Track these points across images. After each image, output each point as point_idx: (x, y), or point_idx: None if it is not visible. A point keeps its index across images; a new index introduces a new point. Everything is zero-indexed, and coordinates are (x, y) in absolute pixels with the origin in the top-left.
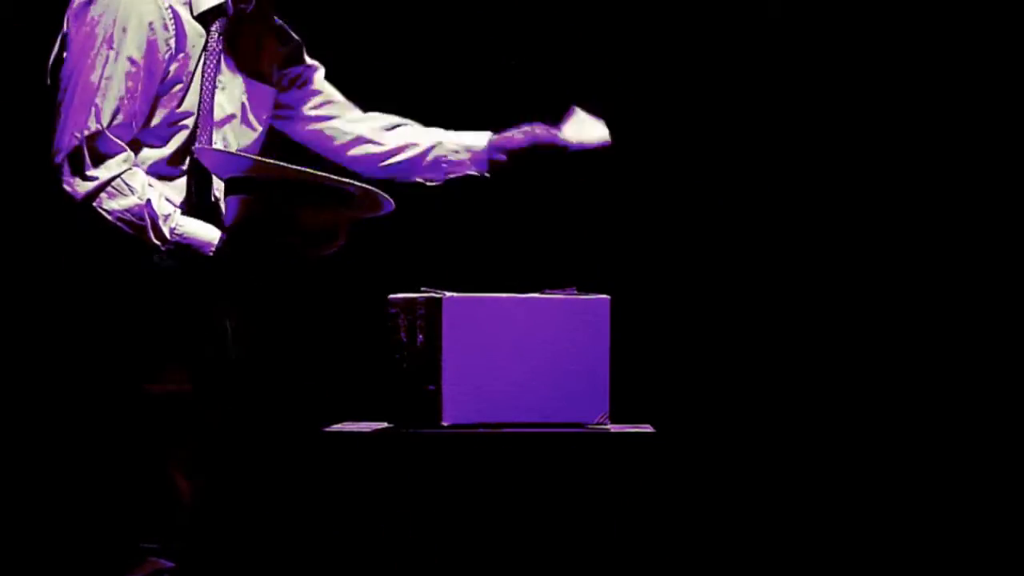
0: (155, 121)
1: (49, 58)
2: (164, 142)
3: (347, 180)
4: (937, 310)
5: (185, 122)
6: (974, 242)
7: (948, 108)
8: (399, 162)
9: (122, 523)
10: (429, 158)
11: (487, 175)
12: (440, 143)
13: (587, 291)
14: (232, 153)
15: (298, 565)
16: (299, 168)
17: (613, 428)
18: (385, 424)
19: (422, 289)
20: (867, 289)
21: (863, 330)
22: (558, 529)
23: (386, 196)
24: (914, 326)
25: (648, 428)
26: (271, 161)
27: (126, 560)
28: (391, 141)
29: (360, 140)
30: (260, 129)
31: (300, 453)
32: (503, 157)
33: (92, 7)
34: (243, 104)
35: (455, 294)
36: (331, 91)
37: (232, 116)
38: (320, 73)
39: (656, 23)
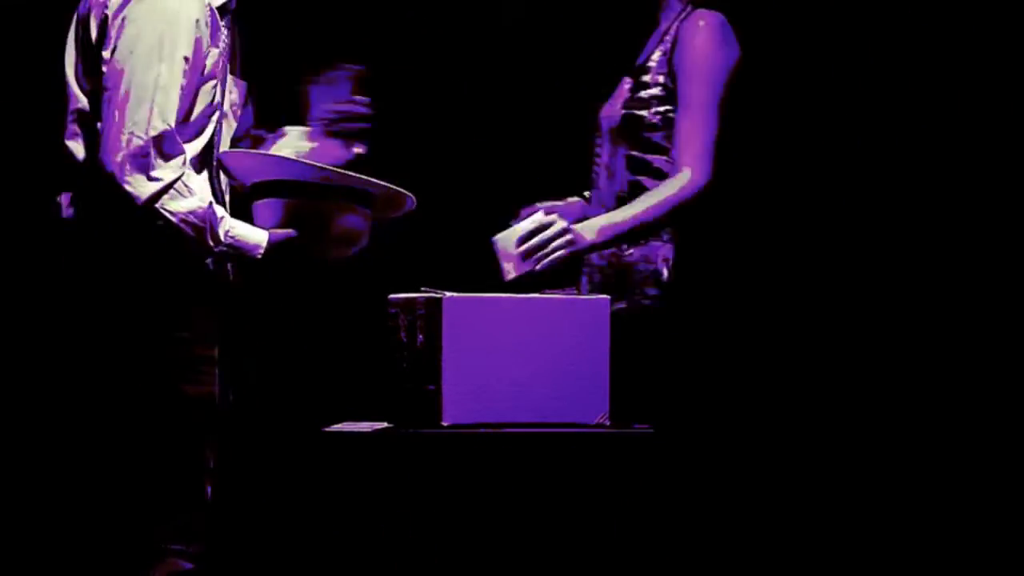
0: (193, 117)
1: (64, 58)
2: (198, 136)
3: (374, 180)
4: (936, 311)
5: (215, 116)
6: (973, 242)
7: (946, 108)
8: None
9: (150, 524)
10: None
11: None
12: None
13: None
14: (270, 155)
15: (299, 565)
16: (338, 171)
17: (612, 428)
18: (385, 424)
19: (422, 289)
20: (867, 290)
21: (863, 331)
22: (558, 529)
23: (409, 194)
24: (914, 327)
25: (647, 428)
26: (316, 165)
27: (147, 559)
28: None
29: None
30: (235, 124)
31: (301, 453)
32: None
33: (137, 5)
34: (231, 100)
35: (455, 294)
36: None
37: (225, 113)
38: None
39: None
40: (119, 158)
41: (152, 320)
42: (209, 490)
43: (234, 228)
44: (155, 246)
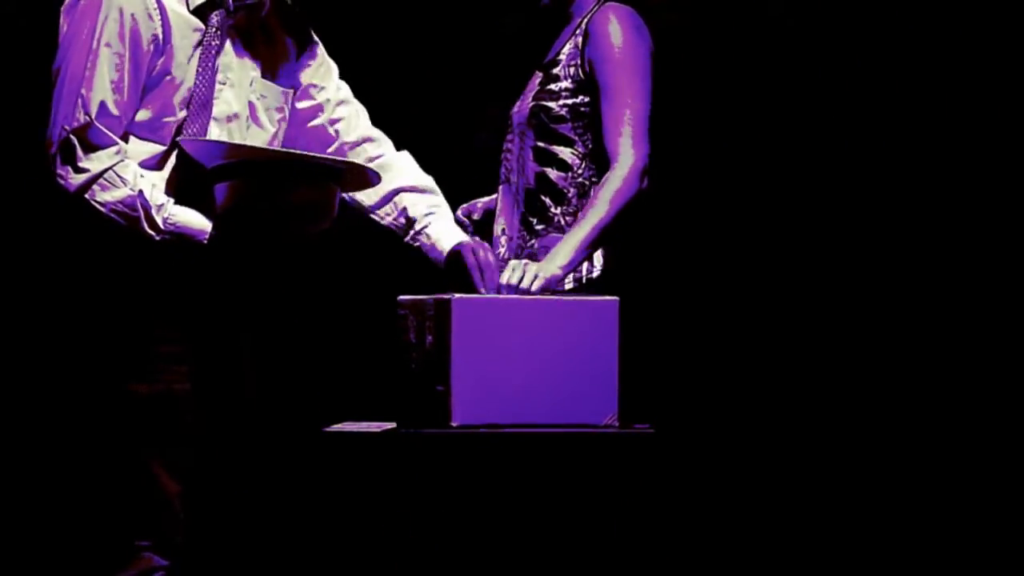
0: (146, 115)
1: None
2: (159, 136)
3: (330, 156)
4: (936, 312)
5: (172, 118)
6: (972, 242)
7: (944, 108)
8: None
9: (116, 520)
10: (407, 237)
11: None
12: (421, 231)
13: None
14: (208, 141)
15: (306, 565)
16: (276, 149)
17: (621, 429)
18: (394, 424)
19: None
20: (867, 291)
21: (862, 332)
22: (567, 529)
23: (373, 169)
24: (913, 327)
25: (650, 428)
26: (247, 144)
27: (120, 556)
28: (387, 210)
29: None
30: (272, 130)
31: (308, 453)
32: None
33: (79, 3)
34: (251, 103)
35: (464, 295)
36: (335, 109)
37: (237, 115)
38: (326, 88)
39: (663, 26)
40: (52, 150)
41: (110, 317)
42: (177, 487)
43: (175, 215)
44: (97, 238)
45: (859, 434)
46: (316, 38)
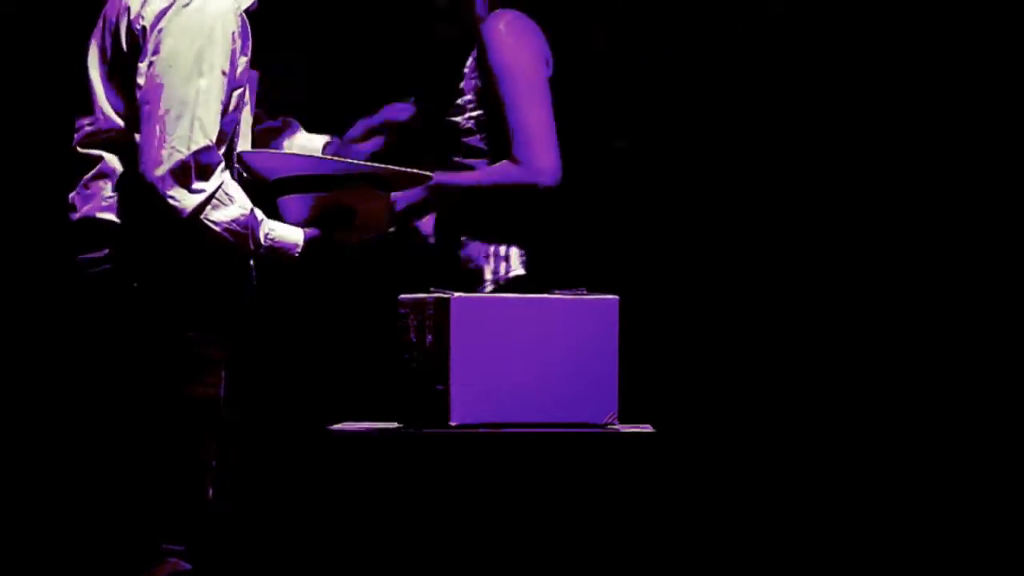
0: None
1: (87, 63)
2: (223, 141)
3: (390, 167)
4: (937, 312)
5: (234, 119)
6: (973, 242)
7: (942, 108)
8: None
9: (148, 524)
10: None
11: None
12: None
13: (596, 291)
14: (289, 154)
15: (306, 565)
16: (352, 161)
17: (621, 428)
18: (394, 424)
19: (432, 289)
20: (866, 291)
21: (862, 332)
22: (567, 529)
23: (426, 174)
24: (913, 328)
25: (650, 428)
26: (336, 158)
27: (146, 560)
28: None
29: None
30: (251, 115)
31: (309, 453)
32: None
33: (175, 18)
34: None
35: (464, 294)
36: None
37: (245, 101)
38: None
39: (665, 27)
40: (160, 172)
41: (159, 320)
42: (211, 491)
43: (274, 231)
44: (170, 248)
45: (859, 434)
46: None
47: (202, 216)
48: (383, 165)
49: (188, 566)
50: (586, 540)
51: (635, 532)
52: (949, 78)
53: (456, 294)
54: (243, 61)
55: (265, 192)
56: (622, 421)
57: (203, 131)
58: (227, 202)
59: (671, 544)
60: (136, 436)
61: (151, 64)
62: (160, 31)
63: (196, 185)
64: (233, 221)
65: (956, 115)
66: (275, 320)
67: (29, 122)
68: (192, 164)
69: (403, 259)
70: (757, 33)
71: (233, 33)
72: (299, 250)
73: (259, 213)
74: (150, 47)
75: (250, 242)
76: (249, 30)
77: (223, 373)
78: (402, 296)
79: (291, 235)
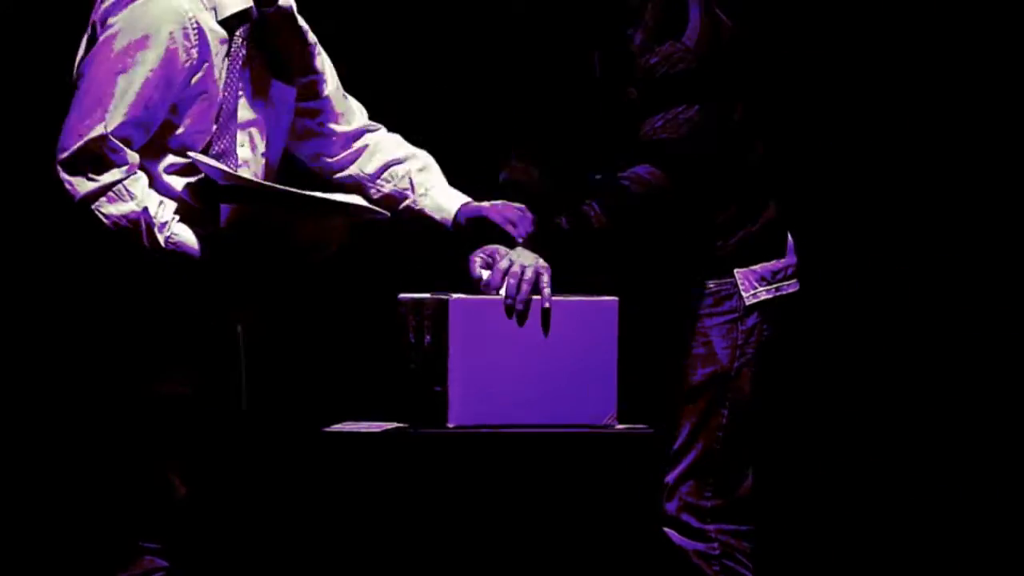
0: (181, 130)
1: (75, 58)
2: (192, 147)
3: (333, 197)
4: (935, 310)
5: (203, 127)
6: (970, 240)
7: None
8: (377, 198)
9: (123, 522)
10: (401, 206)
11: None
12: (417, 200)
13: (596, 293)
14: (214, 166)
15: (302, 565)
16: (275, 186)
17: (620, 428)
18: (393, 424)
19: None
20: (866, 291)
21: (861, 331)
22: (566, 529)
23: (381, 211)
24: (912, 328)
25: (648, 429)
26: (247, 178)
27: (122, 558)
28: (382, 185)
29: (351, 178)
30: (283, 129)
31: (308, 453)
32: (462, 223)
33: (116, 14)
34: (267, 110)
35: (462, 295)
36: (335, 104)
37: (255, 121)
38: (326, 84)
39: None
40: (65, 156)
41: (110, 318)
42: (182, 488)
43: (177, 234)
44: (106, 245)
45: (859, 433)
46: (312, 36)
47: (93, 206)
48: (320, 194)
49: (164, 563)
50: (585, 540)
51: (634, 532)
52: (938, 75)
53: (454, 295)
54: (205, 67)
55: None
56: (621, 421)
57: (107, 124)
58: (125, 198)
59: (670, 544)
60: (105, 434)
61: (87, 54)
62: (102, 25)
63: (93, 174)
64: (123, 216)
65: (948, 111)
66: (275, 320)
67: (29, 122)
68: (91, 152)
69: (403, 259)
70: (756, 31)
71: (172, 33)
72: (201, 254)
73: (164, 216)
74: (97, 38)
75: (144, 240)
76: (208, 36)
77: (191, 372)
78: (401, 296)
79: (196, 240)
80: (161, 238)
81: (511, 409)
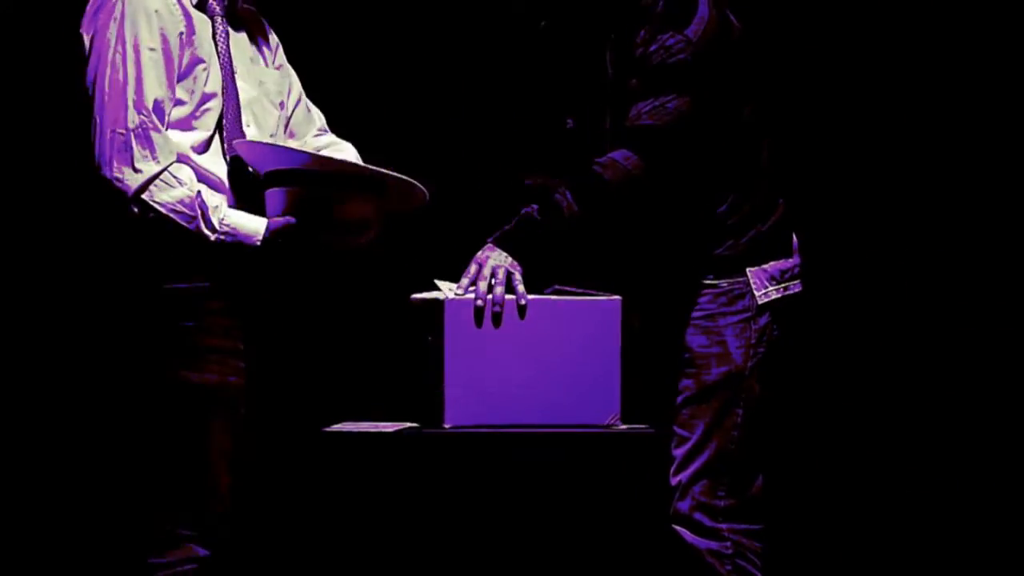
0: (185, 108)
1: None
2: (202, 123)
3: (384, 171)
4: (934, 310)
5: (211, 104)
6: (970, 239)
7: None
8: None
9: (162, 510)
10: None
11: None
12: None
13: (598, 292)
14: (279, 146)
15: (301, 563)
16: (343, 160)
17: (622, 428)
18: (393, 424)
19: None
20: (866, 291)
21: (860, 331)
22: (567, 529)
23: (419, 185)
24: (912, 327)
25: (649, 429)
26: (321, 155)
27: (163, 544)
28: None
29: None
30: (279, 113)
31: (304, 453)
32: None
33: (99, 13)
34: (262, 84)
35: (461, 296)
36: (293, 117)
37: (255, 97)
38: (291, 94)
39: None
40: (106, 156)
41: (157, 309)
42: (227, 478)
43: (229, 216)
44: (148, 238)
45: (858, 433)
46: (275, 38)
47: (146, 196)
48: (373, 167)
49: (204, 552)
50: (586, 540)
51: (635, 532)
52: (936, 74)
53: (451, 295)
54: (194, 39)
55: (259, 184)
56: (623, 421)
57: (137, 109)
58: (174, 184)
59: (670, 544)
60: (139, 424)
61: (86, 61)
62: (88, 28)
63: (139, 165)
64: (178, 202)
65: (947, 110)
66: (274, 320)
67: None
68: (132, 143)
69: (410, 259)
70: (756, 30)
71: (157, 11)
72: (259, 239)
73: (216, 199)
74: (86, 45)
75: (201, 225)
76: (191, 12)
77: (234, 363)
78: (413, 296)
79: (251, 223)
80: (215, 221)
81: (512, 409)
